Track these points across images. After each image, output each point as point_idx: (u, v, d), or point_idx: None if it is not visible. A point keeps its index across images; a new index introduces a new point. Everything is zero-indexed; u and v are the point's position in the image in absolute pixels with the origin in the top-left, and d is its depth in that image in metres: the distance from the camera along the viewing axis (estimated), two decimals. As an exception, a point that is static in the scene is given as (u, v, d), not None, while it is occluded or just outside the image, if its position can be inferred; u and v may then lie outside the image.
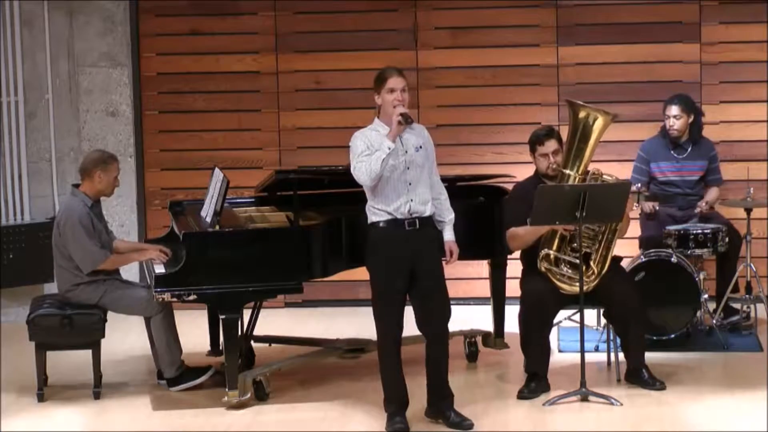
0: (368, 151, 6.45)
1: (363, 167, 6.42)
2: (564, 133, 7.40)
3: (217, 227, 7.15)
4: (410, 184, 6.51)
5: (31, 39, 9.42)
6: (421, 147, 6.58)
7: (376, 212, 6.54)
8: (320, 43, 9.68)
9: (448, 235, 6.72)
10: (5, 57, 9.26)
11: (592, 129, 7.25)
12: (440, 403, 6.70)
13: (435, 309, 6.60)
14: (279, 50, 9.73)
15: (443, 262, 6.67)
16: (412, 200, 6.51)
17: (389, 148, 6.41)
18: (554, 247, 7.23)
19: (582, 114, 7.27)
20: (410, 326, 6.65)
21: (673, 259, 8.05)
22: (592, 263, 7.24)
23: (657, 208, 8.59)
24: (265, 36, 9.73)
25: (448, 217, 6.73)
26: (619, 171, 8.17)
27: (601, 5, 9.55)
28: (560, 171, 7.26)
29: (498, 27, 9.62)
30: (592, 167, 7.31)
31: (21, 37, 9.33)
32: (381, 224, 6.53)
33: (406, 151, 6.51)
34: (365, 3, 9.65)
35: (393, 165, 6.46)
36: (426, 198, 6.57)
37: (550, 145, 7.30)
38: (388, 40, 9.66)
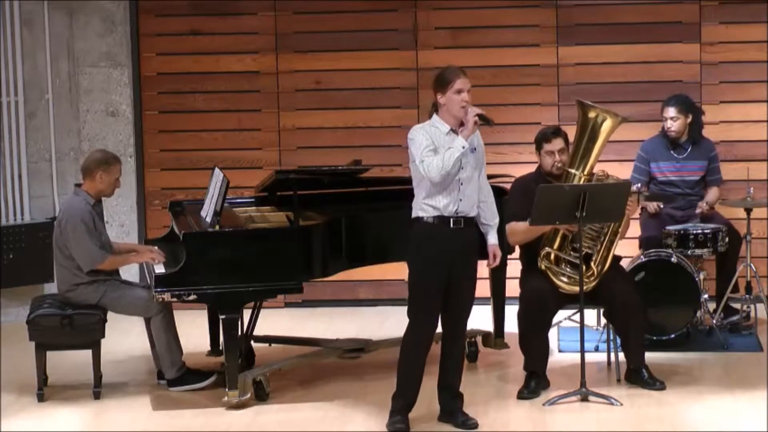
0: (432, 146, 6.40)
1: (434, 163, 6.34)
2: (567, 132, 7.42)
3: (217, 227, 7.15)
4: (462, 183, 6.47)
5: (31, 39, 9.42)
6: (475, 149, 6.56)
7: (424, 207, 6.49)
8: (320, 43, 9.68)
9: (492, 238, 6.69)
10: (5, 57, 9.26)
11: (601, 130, 7.26)
12: (451, 402, 6.69)
13: (457, 308, 6.60)
14: (279, 50, 9.72)
15: (486, 266, 6.66)
16: (461, 200, 6.47)
17: (463, 147, 6.36)
18: (556, 246, 7.24)
19: (591, 114, 7.27)
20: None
21: (673, 259, 8.05)
22: (592, 264, 7.24)
23: (661, 206, 8.60)
24: (265, 36, 9.72)
25: (493, 220, 6.69)
26: (619, 171, 8.17)
27: (601, 5, 9.55)
28: (566, 170, 7.28)
29: (498, 27, 9.61)
30: (598, 169, 7.32)
31: (21, 37, 9.33)
32: (426, 220, 6.48)
33: None
34: (365, 3, 9.64)
35: None
36: (474, 199, 6.54)
37: (557, 143, 7.32)
38: (388, 40, 9.65)
